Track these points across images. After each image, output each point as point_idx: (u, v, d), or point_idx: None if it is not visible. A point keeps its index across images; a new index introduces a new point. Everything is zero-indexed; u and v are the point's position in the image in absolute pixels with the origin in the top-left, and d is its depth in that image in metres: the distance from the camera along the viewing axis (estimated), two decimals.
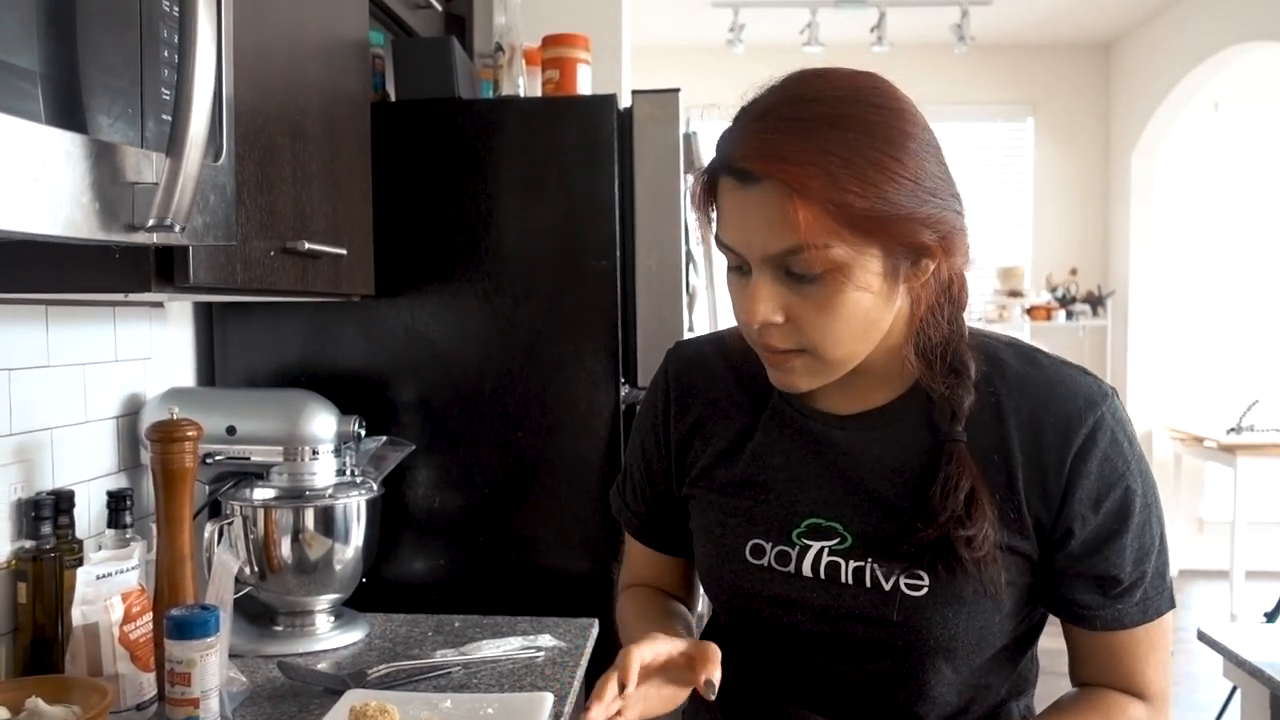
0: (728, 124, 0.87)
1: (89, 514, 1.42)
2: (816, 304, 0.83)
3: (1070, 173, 5.86)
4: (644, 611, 1.07)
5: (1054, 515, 0.89)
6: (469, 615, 1.66)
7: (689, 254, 1.87)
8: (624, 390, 1.76)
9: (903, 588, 0.90)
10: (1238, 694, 1.82)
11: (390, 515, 1.72)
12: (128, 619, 1.22)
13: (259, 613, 1.55)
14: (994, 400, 0.91)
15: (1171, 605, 0.93)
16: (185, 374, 1.72)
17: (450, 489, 1.76)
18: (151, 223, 0.80)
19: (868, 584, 0.91)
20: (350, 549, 1.53)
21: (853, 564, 0.92)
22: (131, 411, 1.54)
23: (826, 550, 0.93)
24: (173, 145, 0.80)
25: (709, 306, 2.02)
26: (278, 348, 1.76)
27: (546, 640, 1.51)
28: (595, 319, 1.73)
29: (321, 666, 1.43)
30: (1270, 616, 3.08)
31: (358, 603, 1.65)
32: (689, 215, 1.89)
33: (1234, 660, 1.68)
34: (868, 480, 0.93)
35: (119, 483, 1.50)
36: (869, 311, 0.85)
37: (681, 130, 1.77)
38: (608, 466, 1.74)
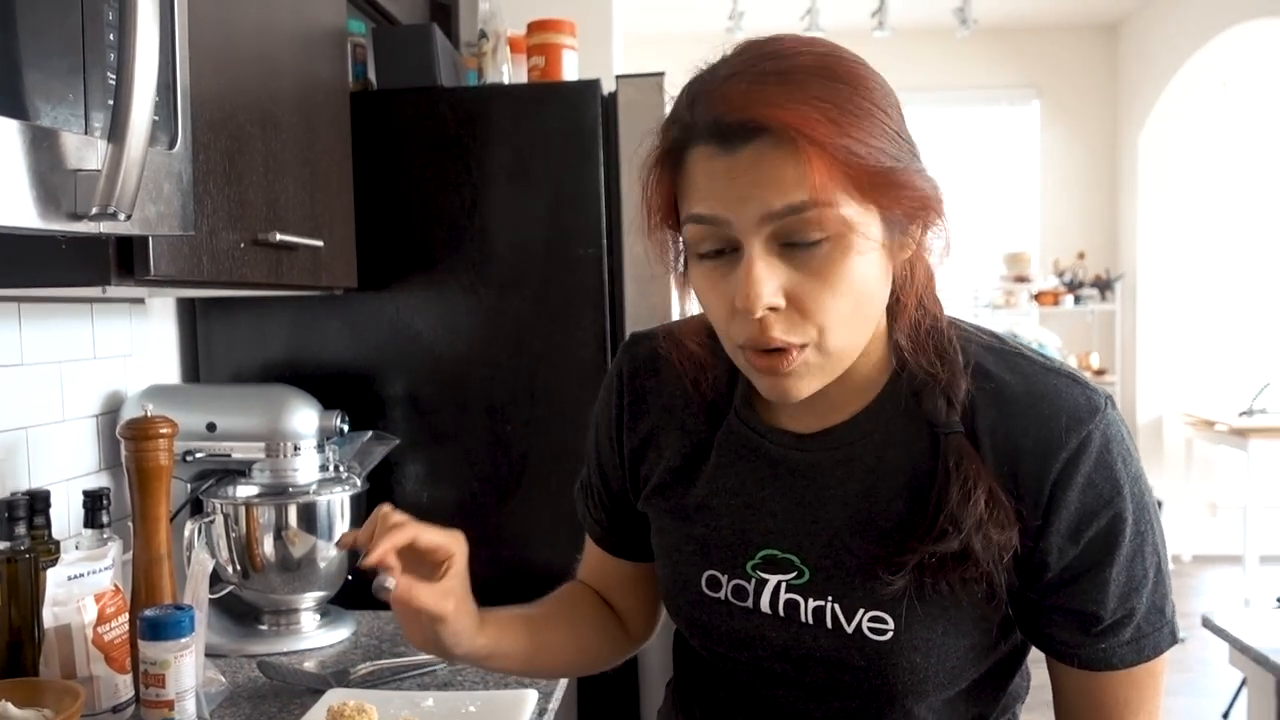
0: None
1: (69, 514, 1.40)
2: (820, 277, 0.74)
3: (1077, 155, 5.80)
4: (550, 613, 1.02)
5: (1029, 545, 0.80)
6: None
7: None
8: None
9: (866, 631, 0.83)
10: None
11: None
12: (102, 620, 1.20)
13: (243, 612, 1.53)
14: (968, 413, 0.81)
15: (1173, 641, 0.83)
16: (168, 371, 1.69)
17: (438, 484, 1.74)
18: (95, 210, 0.77)
19: (828, 624, 0.84)
20: (334, 546, 1.51)
21: (812, 602, 0.85)
22: (112, 410, 1.52)
23: (784, 585, 0.86)
24: (114, 130, 0.77)
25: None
26: (262, 343, 1.74)
27: None
28: (583, 308, 1.70)
29: (307, 665, 1.41)
30: None
31: (344, 600, 1.62)
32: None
33: (1239, 647, 1.64)
34: (830, 507, 0.85)
35: (100, 482, 1.48)
36: (872, 285, 0.77)
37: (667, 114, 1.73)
38: None
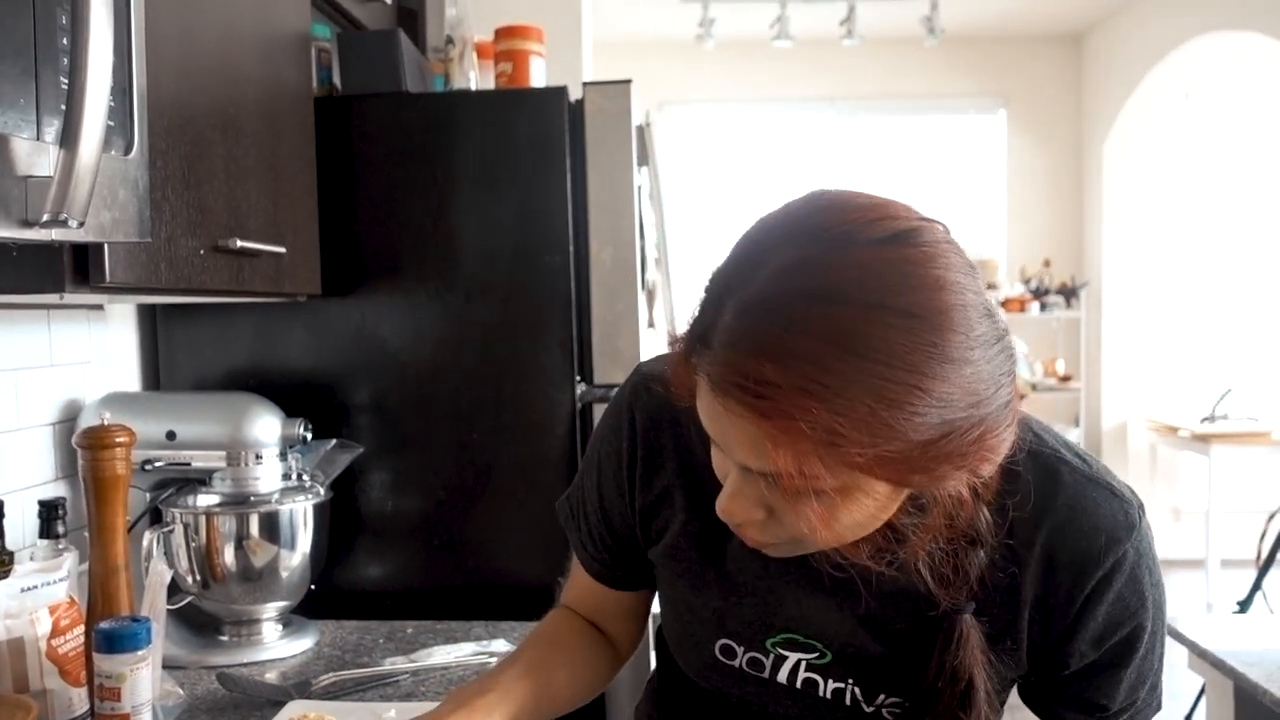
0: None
1: (23, 525, 1.37)
2: (802, 520, 0.69)
3: (1043, 164, 5.86)
4: (545, 659, 0.97)
5: (1051, 645, 0.81)
6: (423, 621, 1.62)
7: (644, 250, 1.84)
8: (580, 389, 1.72)
9: (885, 713, 0.84)
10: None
11: (342, 520, 1.68)
12: (56, 633, 1.18)
13: (203, 622, 1.51)
14: (1006, 524, 0.78)
15: (1159, 709, 0.86)
16: (129, 379, 1.67)
17: (404, 492, 1.73)
18: (46, 218, 0.76)
19: (847, 703, 0.85)
20: (297, 555, 1.49)
21: (832, 683, 0.85)
22: (69, 418, 1.50)
23: (804, 664, 0.86)
24: (66, 136, 0.76)
25: (666, 304, 1.98)
26: (225, 351, 1.72)
27: (500, 646, 1.47)
28: (549, 315, 1.69)
29: (269, 677, 1.39)
30: (1243, 605, 3.07)
31: (308, 610, 1.61)
32: (644, 210, 1.86)
33: (1198, 652, 1.66)
34: (858, 600, 0.82)
35: (57, 492, 1.46)
36: (871, 517, 0.71)
37: (635, 122, 1.73)
38: (565, 468, 1.70)
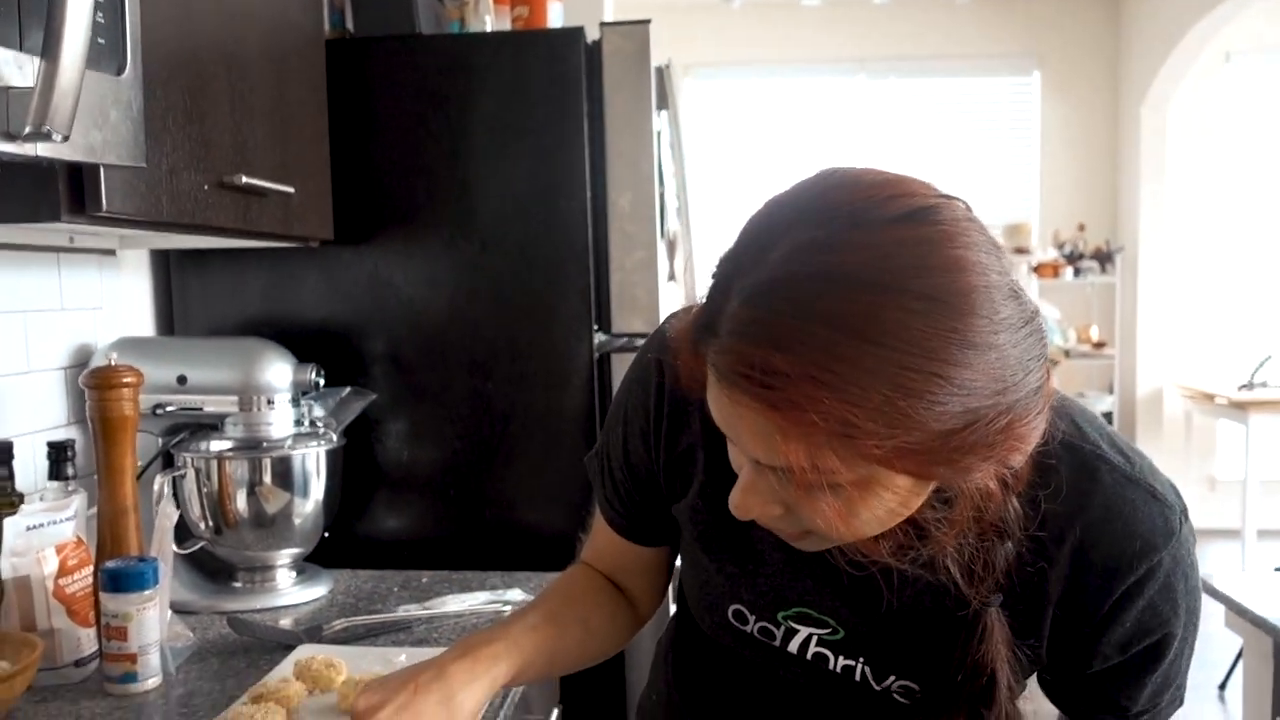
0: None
1: (35, 469, 1.36)
2: (819, 514, 0.65)
3: (1078, 127, 5.73)
4: (559, 612, 0.94)
5: (1075, 644, 0.77)
6: (439, 571, 1.61)
7: (664, 198, 1.79)
8: (598, 338, 1.69)
9: (894, 694, 0.82)
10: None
11: (359, 470, 1.66)
12: (63, 572, 1.16)
13: (217, 569, 1.50)
14: (1037, 518, 0.73)
15: (1180, 705, 0.82)
16: (142, 326, 1.66)
17: (419, 442, 1.70)
18: (29, 130, 0.73)
19: (856, 679, 0.83)
20: (310, 502, 1.48)
21: (843, 660, 0.83)
22: (81, 363, 1.48)
23: (815, 639, 0.83)
24: (47, 45, 0.73)
25: (686, 256, 1.94)
26: (239, 299, 1.70)
27: (515, 595, 1.45)
28: (567, 263, 1.66)
29: (282, 623, 1.38)
30: None
31: (323, 559, 1.60)
32: (664, 157, 1.81)
33: (1236, 610, 1.61)
34: (875, 583, 0.78)
35: (69, 437, 1.45)
36: (891, 512, 0.66)
37: (654, 64, 1.69)
38: (582, 418, 1.67)
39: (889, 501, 0.64)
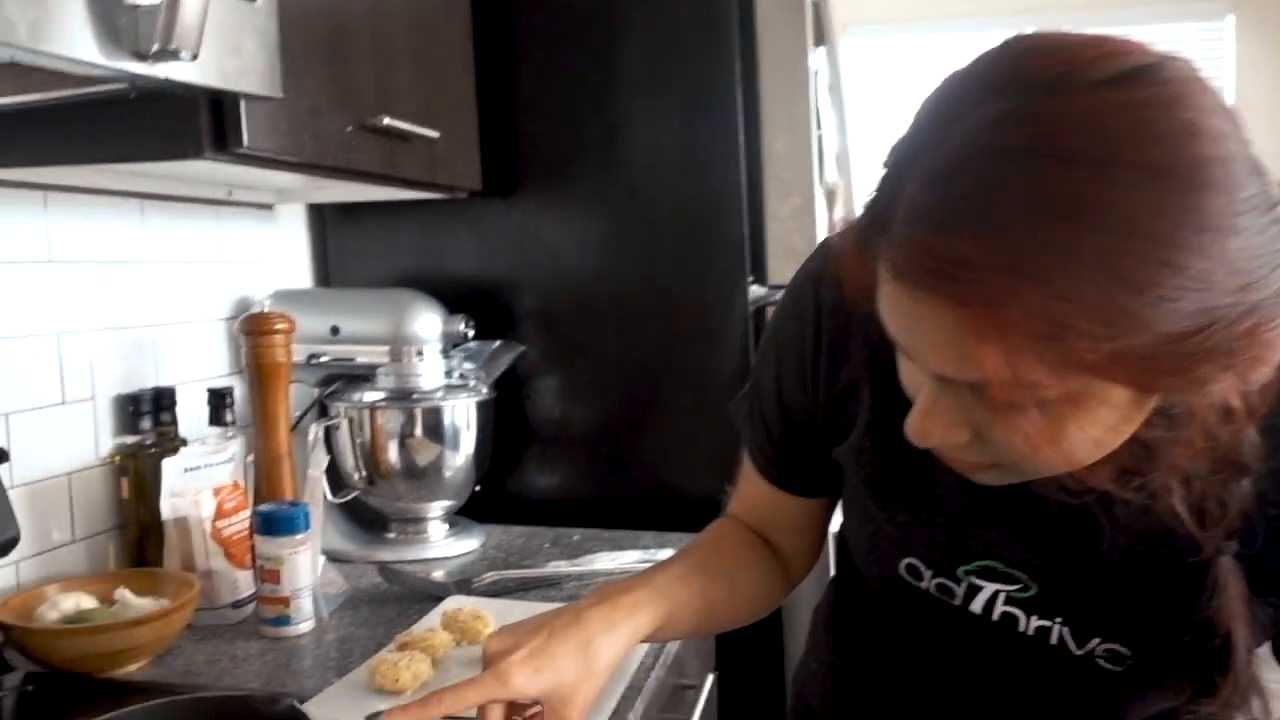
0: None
1: (196, 416, 1.39)
2: (1017, 436, 0.55)
3: (1277, 76, 5.24)
4: (706, 563, 0.85)
5: None
6: (590, 529, 1.57)
7: (822, 142, 1.70)
8: (753, 291, 1.61)
9: (1098, 659, 0.70)
10: None
11: (510, 427, 1.63)
12: (220, 515, 1.18)
13: (371, 519, 1.50)
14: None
15: None
16: (299, 279, 1.68)
17: (571, 400, 1.67)
18: (156, 47, 0.71)
19: (1051, 642, 0.72)
20: (460, 454, 1.46)
21: (1035, 620, 0.72)
22: (240, 314, 1.50)
23: (1004, 596, 0.73)
24: None
25: (846, 208, 1.84)
26: (391, 254, 1.70)
27: (668, 555, 1.40)
28: (719, 212, 1.58)
29: (434, 575, 1.37)
30: None
31: (476, 514, 1.58)
32: (820, 97, 1.71)
33: None
34: (1077, 531, 0.67)
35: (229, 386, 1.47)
36: (1109, 432, 0.56)
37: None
38: (737, 377, 1.59)
39: (1105, 420, 0.54)
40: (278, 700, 0.75)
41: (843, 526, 0.90)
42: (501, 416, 1.57)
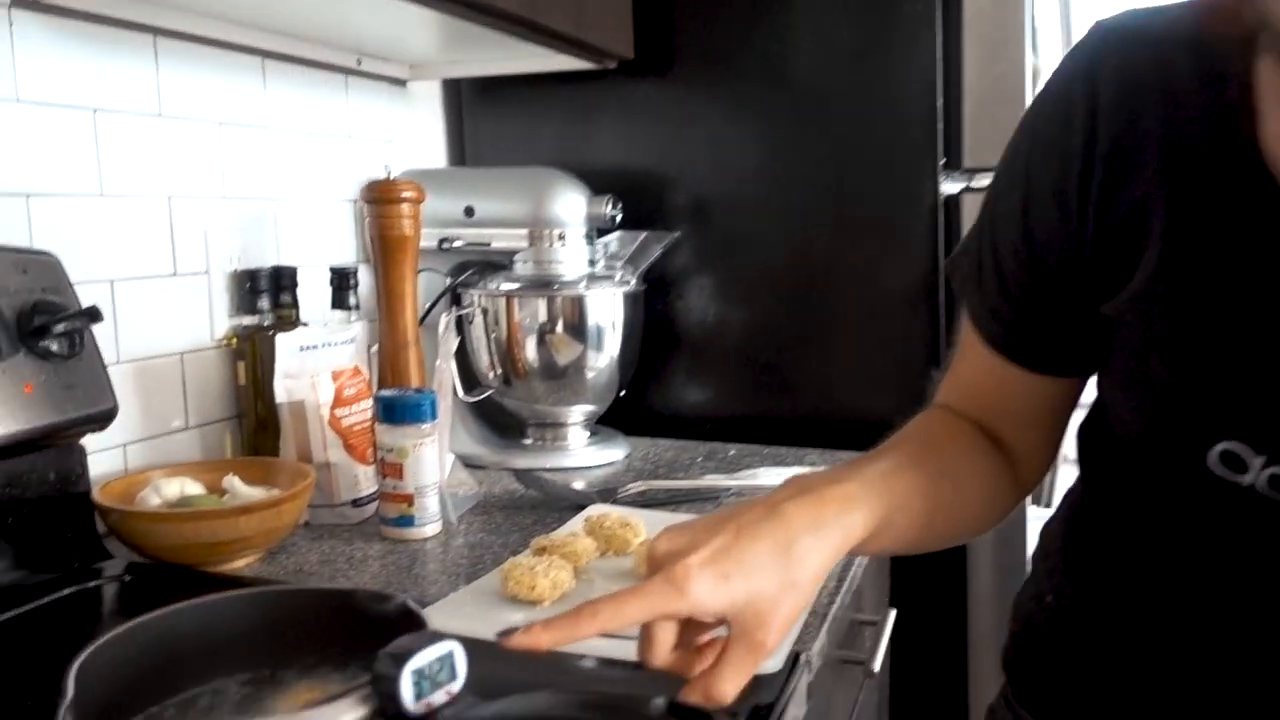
0: None
1: (318, 302, 1.26)
2: None
3: None
4: (920, 458, 0.65)
5: None
6: (748, 444, 1.39)
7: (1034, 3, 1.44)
8: (944, 181, 1.38)
9: None
10: None
11: (659, 334, 1.46)
12: (339, 402, 1.05)
13: (506, 424, 1.36)
14: None
15: None
16: (433, 162, 1.54)
17: (726, 304, 1.48)
18: None
19: None
20: (604, 354, 1.30)
21: None
22: None
23: None
24: None
25: None
26: (532, 135, 1.53)
27: None
28: (906, 81, 1.35)
29: (574, 485, 1.22)
30: None
31: (618, 422, 1.42)
32: None
33: None
34: None
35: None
36: None
37: None
38: (920, 280, 1.38)
39: None
40: (387, 598, 0.60)
41: (1096, 415, 0.69)
42: (649, 323, 1.40)
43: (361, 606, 0.60)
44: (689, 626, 0.54)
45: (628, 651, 0.54)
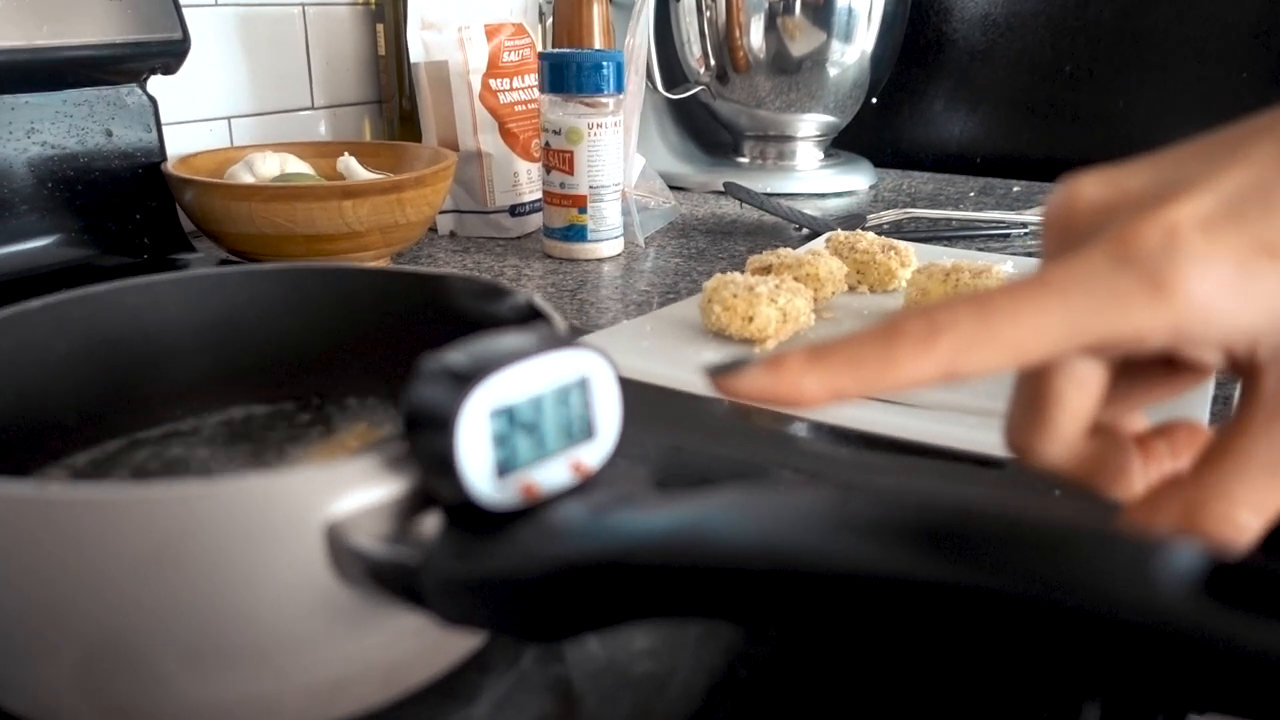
0: None
1: None
2: None
3: None
4: None
5: None
6: (1034, 181, 1.04)
7: None
8: None
9: None
10: None
11: (922, 38, 1.10)
12: (496, 70, 0.77)
13: (718, 141, 1.06)
14: None
15: None
16: None
17: (1010, 8, 1.09)
18: None
19: None
20: (854, 48, 0.96)
21: None
22: None
23: None
24: None
25: None
26: None
27: None
28: None
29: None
30: None
31: (864, 148, 1.10)
32: None
33: None
34: None
35: None
36: None
37: None
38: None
39: None
40: (503, 291, 0.34)
41: None
42: (913, 19, 1.03)
43: (455, 300, 0.34)
44: (1123, 387, 0.24)
45: (970, 438, 0.25)
